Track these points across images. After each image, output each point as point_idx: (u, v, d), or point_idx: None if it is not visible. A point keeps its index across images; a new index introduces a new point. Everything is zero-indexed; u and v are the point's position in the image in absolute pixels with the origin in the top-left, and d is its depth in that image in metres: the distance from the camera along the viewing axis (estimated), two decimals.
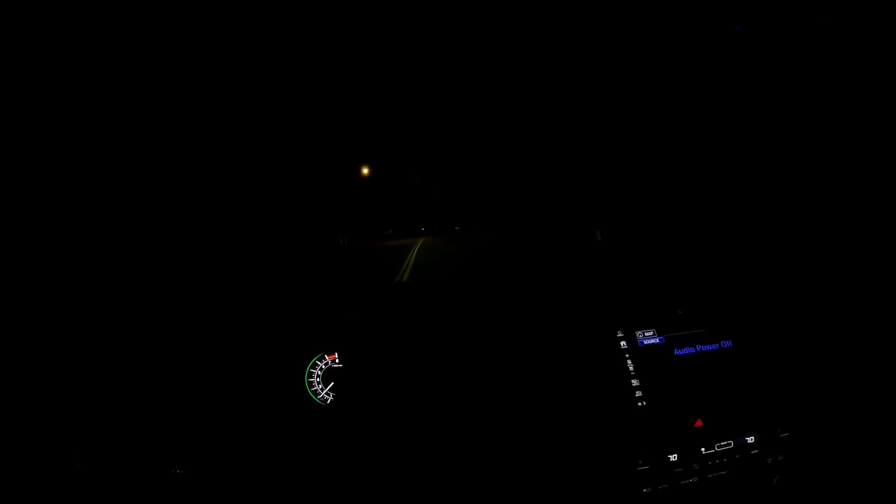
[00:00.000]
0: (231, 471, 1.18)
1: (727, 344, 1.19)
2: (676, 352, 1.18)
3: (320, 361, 1.31)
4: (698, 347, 1.19)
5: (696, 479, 1.08)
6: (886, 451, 1.10)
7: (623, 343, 1.19)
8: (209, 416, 1.24)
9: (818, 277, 1.26)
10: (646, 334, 1.20)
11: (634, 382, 1.15)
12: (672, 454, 1.09)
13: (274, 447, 1.21)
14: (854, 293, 1.21)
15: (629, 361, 1.17)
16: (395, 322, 1.33)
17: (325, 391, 1.30)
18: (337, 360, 1.31)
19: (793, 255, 1.31)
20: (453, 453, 1.19)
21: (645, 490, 1.06)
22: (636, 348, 1.18)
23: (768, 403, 1.15)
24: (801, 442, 1.12)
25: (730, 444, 1.10)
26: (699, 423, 1.12)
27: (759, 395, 1.15)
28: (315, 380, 1.30)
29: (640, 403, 1.13)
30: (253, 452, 1.21)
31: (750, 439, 1.11)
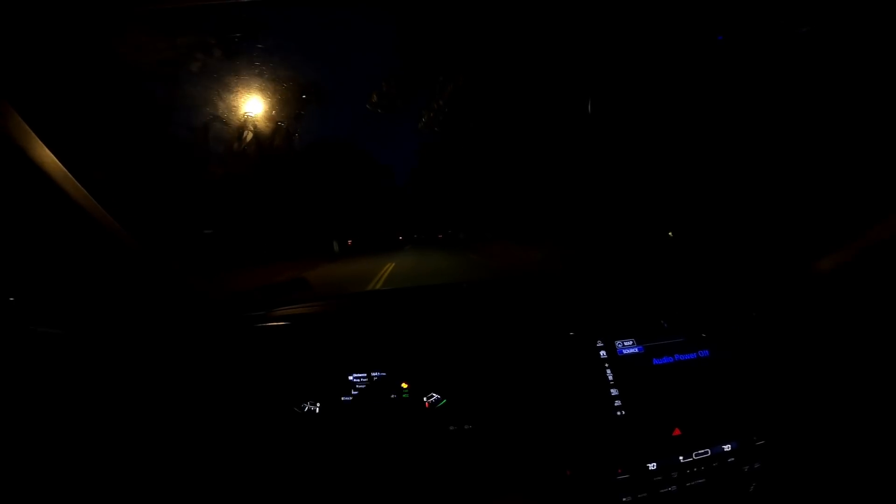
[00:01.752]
0: (211, 477, 1.14)
1: (704, 353, 1.21)
2: (655, 361, 1.19)
3: None
4: (676, 357, 1.20)
5: (674, 487, 1.08)
6: (862, 458, 1.12)
7: (603, 353, 1.19)
8: (187, 422, 1.21)
9: (793, 287, 1.29)
10: (625, 344, 1.20)
11: (614, 392, 1.15)
12: (651, 463, 1.09)
13: (255, 455, 1.18)
14: (828, 303, 1.24)
15: (608, 371, 1.18)
16: (371, 330, 1.32)
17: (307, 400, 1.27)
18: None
19: (767, 265, 1.34)
20: (432, 459, 1.17)
21: (624, 499, 1.06)
22: (615, 358, 1.19)
23: (745, 412, 1.16)
24: (777, 450, 1.13)
25: (707, 452, 1.11)
26: (677, 431, 1.12)
27: (735, 404, 1.17)
28: None
29: (619, 413, 1.13)
30: (234, 460, 1.17)
31: (727, 447, 1.12)
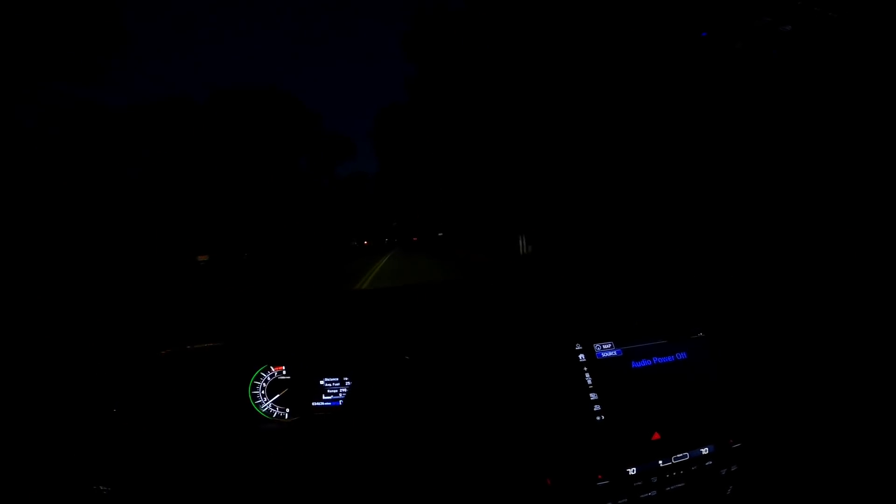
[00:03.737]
0: (165, 487, 1.06)
1: (682, 356, 1.21)
2: (634, 364, 1.18)
3: (265, 373, 1.22)
4: (654, 360, 1.19)
5: (654, 492, 1.06)
6: (834, 460, 1.14)
7: (581, 356, 1.17)
8: (140, 430, 1.12)
9: (769, 290, 1.31)
10: (604, 347, 1.19)
11: (593, 396, 1.13)
12: (631, 468, 1.07)
13: (215, 461, 1.11)
14: (802, 306, 1.26)
15: (587, 375, 1.16)
16: (349, 333, 1.27)
17: (269, 403, 1.21)
18: (284, 372, 1.22)
19: (744, 266, 1.36)
20: (409, 469, 1.12)
21: None
22: (594, 361, 1.17)
23: (721, 415, 1.16)
24: (753, 453, 1.14)
25: (686, 456, 1.10)
26: (657, 436, 1.11)
27: (712, 407, 1.17)
28: (259, 392, 1.21)
29: (598, 417, 1.11)
30: (191, 467, 1.09)
31: (704, 451, 1.12)
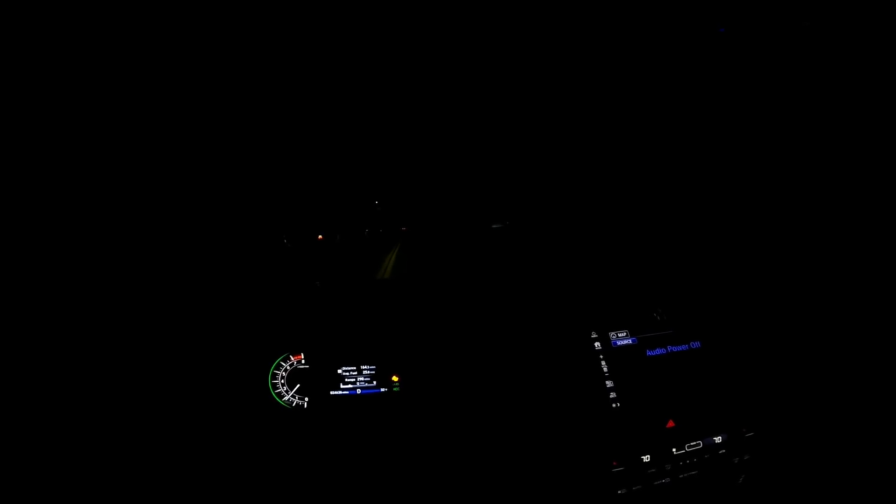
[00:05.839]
0: (185, 477, 1.09)
1: (696, 345, 1.21)
2: (648, 353, 1.19)
3: (285, 362, 1.24)
4: (669, 348, 1.20)
5: (668, 479, 1.08)
6: (846, 450, 1.15)
7: (597, 344, 1.19)
8: (161, 421, 1.15)
9: (782, 282, 1.31)
10: (619, 335, 1.20)
11: (609, 384, 1.15)
12: (645, 455, 1.09)
13: (235, 453, 1.13)
14: (815, 298, 1.26)
15: (603, 363, 1.17)
16: (370, 321, 1.29)
17: (290, 394, 1.23)
18: (303, 361, 1.24)
19: (758, 259, 1.36)
20: (428, 457, 1.15)
21: (620, 492, 1.06)
22: (610, 349, 1.19)
23: (734, 403, 1.18)
24: (765, 442, 1.15)
25: (699, 444, 1.12)
26: (671, 423, 1.13)
27: (725, 396, 1.18)
28: (280, 381, 1.23)
29: (614, 405, 1.13)
30: (211, 459, 1.12)
31: (718, 439, 1.13)
